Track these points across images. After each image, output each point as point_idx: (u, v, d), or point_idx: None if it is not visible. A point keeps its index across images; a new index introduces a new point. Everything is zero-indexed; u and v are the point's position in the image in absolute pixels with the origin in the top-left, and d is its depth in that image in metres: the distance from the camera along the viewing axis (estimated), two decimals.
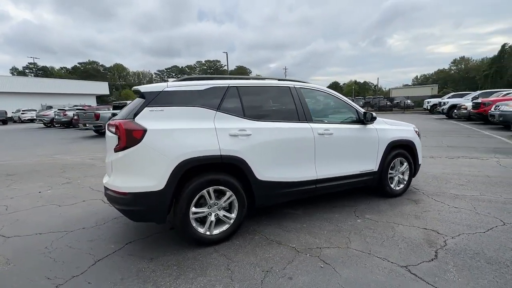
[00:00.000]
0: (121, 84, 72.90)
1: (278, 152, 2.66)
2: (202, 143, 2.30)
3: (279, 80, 3.05)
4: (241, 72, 77.99)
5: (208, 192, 2.36)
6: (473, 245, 2.31)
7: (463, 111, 13.89)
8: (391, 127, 3.54)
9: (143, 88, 2.34)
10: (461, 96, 18.81)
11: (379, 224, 2.78)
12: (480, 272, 1.93)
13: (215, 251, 2.34)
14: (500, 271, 1.94)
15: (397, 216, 2.97)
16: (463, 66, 67.71)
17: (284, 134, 2.71)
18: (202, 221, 2.42)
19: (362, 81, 78.25)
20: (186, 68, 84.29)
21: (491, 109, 10.65)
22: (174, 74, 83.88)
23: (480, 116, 12.05)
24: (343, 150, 3.09)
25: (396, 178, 3.60)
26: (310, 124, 2.89)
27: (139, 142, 2.13)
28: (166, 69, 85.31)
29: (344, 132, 3.10)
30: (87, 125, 12.49)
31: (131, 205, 2.16)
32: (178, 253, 2.33)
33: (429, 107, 21.90)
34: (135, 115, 2.21)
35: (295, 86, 3.00)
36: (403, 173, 3.66)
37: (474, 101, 12.97)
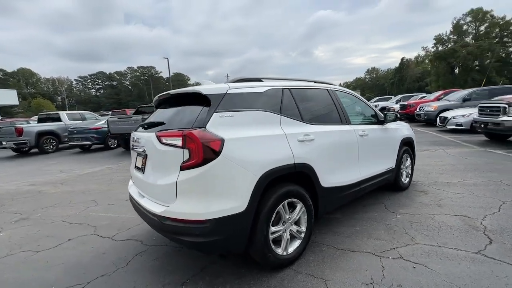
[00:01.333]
0: (30, 92, 60.68)
1: (334, 156, 2.58)
2: (278, 151, 2.04)
3: (314, 82, 2.98)
4: (179, 79, 74.91)
5: (283, 206, 2.10)
6: (504, 223, 2.67)
7: (392, 112, 16.42)
8: (399, 126, 3.86)
9: (206, 90, 1.93)
10: (386, 99, 22.34)
11: (417, 217, 2.96)
12: None
13: (297, 272, 2.08)
14: None
15: (423, 207, 3.23)
16: (374, 75, 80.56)
17: (337, 137, 2.64)
18: (275, 240, 2.13)
19: None
20: (115, 74, 76.08)
21: (417, 110, 12.90)
22: (100, 81, 74.68)
23: (407, 116, 14.45)
24: (375, 150, 3.21)
25: (404, 173, 3.94)
26: (351, 126, 2.91)
27: (218, 155, 1.74)
28: (89, 75, 75.17)
29: (374, 133, 3.23)
30: (4, 143, 9.87)
31: (211, 234, 1.73)
32: (257, 283, 1.99)
33: None
34: (205, 122, 1.81)
35: (331, 88, 2.98)
36: (407, 167, 4.03)
37: (400, 103, 15.50)
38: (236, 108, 1.98)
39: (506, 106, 6.75)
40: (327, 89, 2.91)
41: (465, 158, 5.78)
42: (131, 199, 2.44)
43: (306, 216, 2.28)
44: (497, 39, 40.77)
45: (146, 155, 2.12)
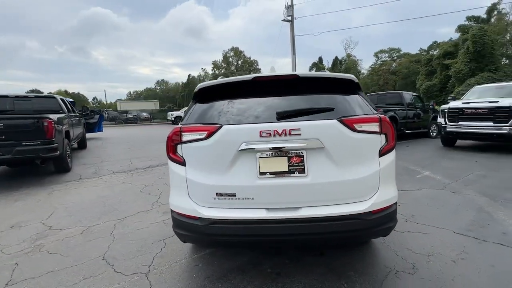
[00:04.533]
0: None
1: None
2: None
3: None
4: None
5: None
6: None
7: None
8: None
9: (354, 77, 1.90)
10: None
11: None
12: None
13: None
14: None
15: None
16: (164, 87, 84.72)
17: None
18: None
19: (76, 92, 68.53)
20: None
21: None
22: None
23: None
24: None
25: None
26: None
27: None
28: None
29: None
30: None
31: (394, 217, 1.82)
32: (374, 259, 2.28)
33: (173, 119, 26.00)
34: (375, 108, 1.83)
35: None
36: None
37: None
38: None
39: None
40: None
41: None
42: (247, 227, 1.61)
43: None
44: (248, 72, 59.13)
45: (305, 151, 1.63)
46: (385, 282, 1.89)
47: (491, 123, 6.33)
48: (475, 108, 6.60)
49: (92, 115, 12.06)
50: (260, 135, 1.63)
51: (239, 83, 1.86)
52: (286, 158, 1.66)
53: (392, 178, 1.82)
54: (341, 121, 1.66)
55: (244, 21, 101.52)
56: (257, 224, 1.61)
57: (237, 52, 57.63)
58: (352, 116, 1.71)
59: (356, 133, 1.67)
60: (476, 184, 4.05)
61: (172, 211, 1.87)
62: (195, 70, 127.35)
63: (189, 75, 66.11)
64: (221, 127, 1.68)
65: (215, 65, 56.35)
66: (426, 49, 41.66)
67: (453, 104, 7.27)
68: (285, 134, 1.62)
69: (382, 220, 1.71)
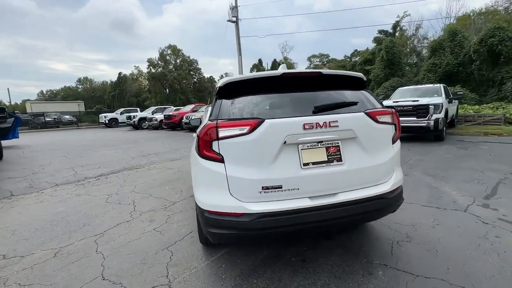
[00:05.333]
0: None
1: None
2: None
3: None
4: None
5: None
6: None
7: (155, 122, 17.63)
8: None
9: (363, 75, 2.12)
10: (130, 111, 23.21)
11: None
12: None
13: None
14: None
15: None
16: (88, 85, 74.28)
17: None
18: None
19: None
20: None
21: (184, 119, 15.34)
22: None
23: (173, 125, 16.46)
24: None
25: None
26: None
27: None
28: None
29: None
30: None
31: (402, 195, 2.12)
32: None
33: (107, 121, 23.13)
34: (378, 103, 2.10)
35: None
36: None
37: (164, 113, 17.17)
38: None
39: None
40: None
41: None
42: (293, 216, 1.66)
43: None
44: (187, 71, 56.87)
45: (340, 141, 1.77)
46: (393, 251, 2.21)
47: (414, 118, 7.79)
48: (403, 106, 8.00)
49: (4, 119, 9.78)
50: (304, 128, 1.71)
51: (267, 78, 1.89)
52: (325, 148, 1.77)
53: (399, 162, 2.13)
54: (367, 114, 1.87)
55: (180, 19, 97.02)
56: (302, 213, 1.68)
57: (175, 50, 54.87)
58: (374, 109, 1.95)
59: (378, 123, 1.91)
60: (418, 167, 4.96)
61: (204, 211, 1.77)
62: (127, 68, 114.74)
63: (119, 73, 59.78)
64: (263, 121, 1.69)
65: (151, 63, 52.36)
66: (350, 56, 47.71)
67: (386, 102, 8.63)
68: (326, 126, 1.73)
69: (397, 198, 2.00)
